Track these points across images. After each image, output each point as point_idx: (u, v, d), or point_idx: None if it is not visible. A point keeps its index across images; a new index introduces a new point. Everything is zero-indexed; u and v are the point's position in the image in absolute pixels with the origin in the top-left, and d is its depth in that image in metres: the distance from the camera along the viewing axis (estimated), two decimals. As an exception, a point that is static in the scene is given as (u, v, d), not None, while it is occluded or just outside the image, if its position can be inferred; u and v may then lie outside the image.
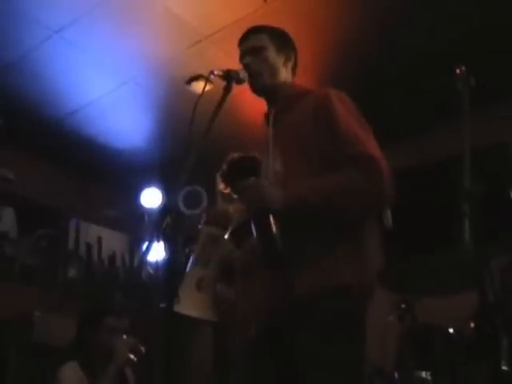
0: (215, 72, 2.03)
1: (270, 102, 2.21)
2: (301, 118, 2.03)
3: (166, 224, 1.63)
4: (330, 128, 1.92)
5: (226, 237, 2.63)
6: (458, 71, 1.87)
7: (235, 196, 2.98)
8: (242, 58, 2.19)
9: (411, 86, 4.34)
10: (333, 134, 1.90)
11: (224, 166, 3.06)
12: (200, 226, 3.59)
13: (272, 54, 2.17)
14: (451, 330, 2.71)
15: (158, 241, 1.61)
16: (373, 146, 1.88)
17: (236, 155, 2.85)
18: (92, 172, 5.42)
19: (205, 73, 3.99)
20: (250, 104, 4.05)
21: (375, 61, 4.10)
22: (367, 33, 3.83)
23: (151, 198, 5.38)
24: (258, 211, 1.82)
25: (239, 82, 2.08)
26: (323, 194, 1.80)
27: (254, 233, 1.86)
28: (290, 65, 2.24)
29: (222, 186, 3.27)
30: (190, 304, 1.77)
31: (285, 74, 2.20)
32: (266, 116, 2.22)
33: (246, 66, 2.12)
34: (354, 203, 1.81)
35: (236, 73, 2.07)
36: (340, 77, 4.15)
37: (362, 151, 1.84)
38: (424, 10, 3.66)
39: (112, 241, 5.63)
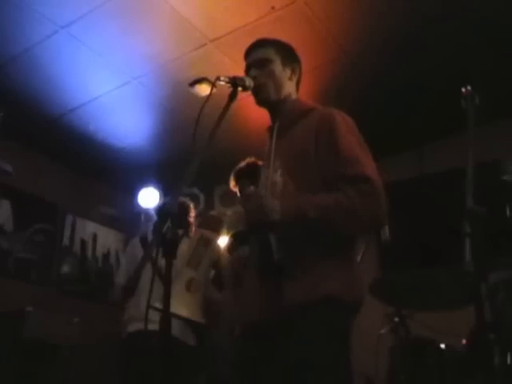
0: (221, 78, 2.03)
1: (273, 114, 2.24)
2: (303, 134, 2.07)
3: (167, 228, 1.63)
4: (331, 147, 1.96)
5: (227, 240, 2.65)
6: (463, 90, 1.89)
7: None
8: (248, 69, 2.21)
9: (415, 100, 4.36)
10: (334, 153, 1.95)
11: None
12: (193, 229, 3.63)
13: (278, 68, 2.20)
14: (443, 346, 2.72)
15: (158, 244, 1.61)
16: (372, 168, 1.93)
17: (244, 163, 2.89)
18: (90, 169, 5.42)
19: (209, 76, 4.10)
20: (253, 110, 4.05)
21: (381, 73, 4.12)
22: (374, 45, 3.85)
23: (148, 197, 5.38)
24: (258, 221, 1.84)
25: (245, 89, 2.09)
26: (322, 211, 1.83)
27: (252, 242, 1.87)
28: (294, 79, 2.27)
29: (232, 184, 3.33)
30: (179, 304, 1.78)
31: (289, 88, 2.23)
32: (270, 129, 2.24)
33: (252, 78, 2.13)
34: (350, 222, 1.86)
35: (242, 80, 2.08)
36: (345, 87, 4.17)
37: (362, 172, 1.89)
38: (433, 27, 3.68)
39: (107, 238, 5.63)
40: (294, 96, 2.24)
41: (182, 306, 1.87)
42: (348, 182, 1.88)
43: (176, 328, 2.93)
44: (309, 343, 1.79)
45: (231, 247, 2.75)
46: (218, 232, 2.58)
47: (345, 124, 2.03)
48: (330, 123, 2.01)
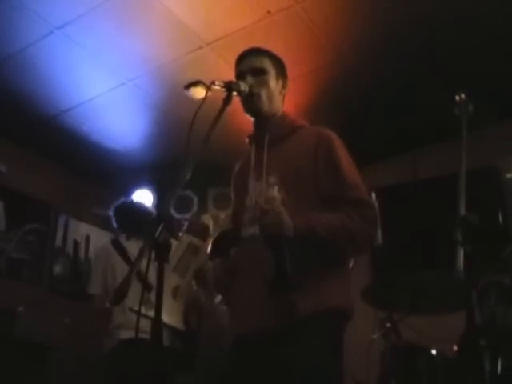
0: (216, 82, 2.03)
1: (259, 126, 2.24)
2: (299, 151, 2.12)
3: (160, 232, 1.62)
4: (331, 168, 2.05)
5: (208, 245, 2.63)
6: (457, 98, 1.90)
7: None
8: (241, 75, 2.19)
9: (410, 105, 4.37)
10: (334, 174, 2.04)
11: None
12: (181, 234, 3.60)
13: (272, 80, 2.22)
14: (434, 352, 2.72)
15: (151, 248, 1.61)
16: (366, 193, 2.07)
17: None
18: (84, 170, 5.40)
19: (204, 79, 4.10)
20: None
21: (376, 78, 4.13)
22: (369, 49, 3.86)
23: (142, 199, 5.37)
24: (274, 236, 1.88)
25: (240, 93, 2.09)
26: (331, 230, 1.93)
27: (256, 253, 1.90)
28: (283, 93, 2.29)
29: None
30: (164, 310, 1.78)
31: (279, 102, 2.26)
32: (253, 139, 2.24)
33: (248, 86, 2.13)
34: (352, 242, 1.98)
35: (237, 84, 2.08)
36: (340, 91, 4.18)
37: (362, 197, 2.03)
38: (430, 32, 3.70)
39: (100, 240, 5.58)
40: (280, 110, 2.26)
41: (167, 313, 1.87)
42: (350, 204, 1.99)
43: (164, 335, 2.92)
44: (312, 354, 1.85)
45: (216, 248, 2.70)
46: (205, 240, 2.57)
47: (341, 147, 2.13)
48: (329, 144, 2.10)
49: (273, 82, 2.20)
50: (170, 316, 1.88)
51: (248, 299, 2.01)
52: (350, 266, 2.19)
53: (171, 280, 1.98)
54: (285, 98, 2.32)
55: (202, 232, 2.14)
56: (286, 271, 1.84)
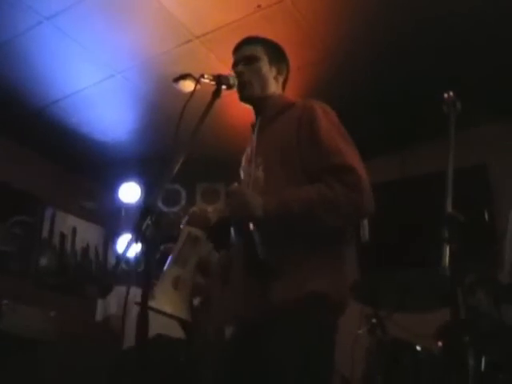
0: (206, 76, 2.04)
1: (256, 111, 2.25)
2: (284, 128, 2.07)
3: (147, 225, 1.62)
4: (312, 139, 1.95)
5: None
6: (446, 96, 1.90)
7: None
8: (235, 65, 2.23)
9: (399, 103, 4.39)
10: (315, 145, 1.94)
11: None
12: (181, 226, 3.59)
13: (265, 66, 2.21)
14: (419, 348, 2.74)
15: (137, 242, 1.60)
16: (354, 158, 1.91)
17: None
18: (72, 162, 5.37)
19: (193, 72, 4.08)
20: (236, 107, 4.06)
21: (365, 75, 4.14)
22: (360, 47, 3.87)
23: (129, 192, 5.36)
24: (240, 218, 1.84)
25: (229, 87, 2.10)
26: (305, 204, 1.82)
27: (236, 239, 1.87)
28: (280, 79, 2.29)
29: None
30: (165, 300, 1.78)
31: (274, 87, 2.24)
32: (252, 125, 2.25)
33: (239, 74, 2.15)
34: (334, 213, 1.83)
35: (226, 78, 2.09)
36: (329, 87, 4.18)
37: (343, 162, 1.87)
38: (420, 31, 3.71)
39: (87, 232, 5.58)
40: (278, 94, 2.25)
41: (168, 303, 1.87)
42: (330, 172, 1.86)
43: (162, 324, 2.93)
44: (293, 341, 1.78)
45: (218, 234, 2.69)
46: (204, 229, 2.57)
47: (325, 115, 2.02)
48: (311, 115, 2.00)
49: (265, 68, 2.21)
50: (173, 306, 1.87)
51: (233, 288, 2.00)
52: (343, 245, 1.98)
53: (171, 271, 1.97)
54: (286, 83, 2.31)
55: (201, 221, 2.13)
56: (256, 254, 1.79)
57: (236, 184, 1.97)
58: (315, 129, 1.96)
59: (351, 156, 1.91)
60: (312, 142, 1.95)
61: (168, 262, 2.05)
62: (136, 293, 1.64)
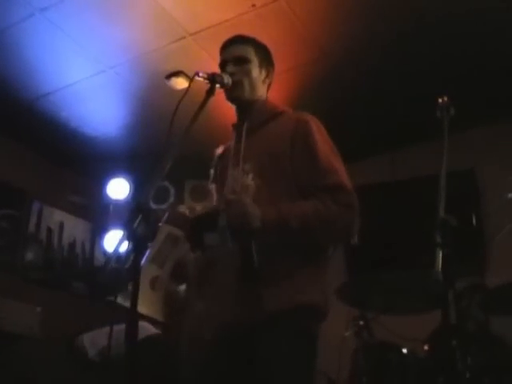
0: (200, 74, 2.03)
1: (241, 114, 2.24)
2: (277, 137, 2.08)
3: (138, 223, 1.61)
4: (307, 154, 1.99)
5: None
6: (440, 100, 1.91)
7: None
8: (224, 64, 2.20)
9: (392, 105, 4.40)
10: (310, 160, 1.98)
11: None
12: (160, 224, 3.56)
13: (255, 69, 2.21)
14: (405, 351, 2.75)
15: (129, 239, 1.59)
16: (345, 176, 1.98)
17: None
18: (61, 156, 5.31)
19: (185, 70, 4.07)
20: (226, 106, 4.05)
21: (359, 76, 4.14)
22: (354, 48, 3.87)
23: (118, 188, 5.33)
24: (240, 228, 1.84)
25: (223, 86, 2.09)
26: (303, 219, 1.86)
27: (226, 245, 1.87)
28: (267, 82, 2.29)
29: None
30: (141, 301, 1.76)
31: (262, 91, 2.25)
32: (235, 127, 2.23)
33: (230, 75, 2.13)
34: (329, 231, 1.91)
35: (220, 77, 2.08)
36: (323, 87, 4.18)
37: (338, 181, 1.93)
38: (415, 33, 3.71)
39: (74, 228, 5.54)
40: (264, 98, 2.26)
41: (145, 304, 1.85)
42: (325, 191, 1.91)
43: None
44: (284, 351, 1.81)
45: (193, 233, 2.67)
46: (184, 230, 2.55)
47: (320, 132, 2.05)
48: (306, 129, 2.03)
49: (255, 71, 2.20)
50: (149, 307, 1.85)
51: (220, 292, 2.00)
52: (328, 256, 2.05)
53: (149, 271, 1.95)
54: (270, 86, 2.31)
55: (181, 221, 2.12)
56: (252, 263, 1.80)
57: (237, 194, 1.96)
58: (310, 144, 2.00)
59: (343, 174, 1.98)
60: (307, 157, 1.99)
61: (145, 259, 2.03)
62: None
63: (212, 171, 2.36)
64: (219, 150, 2.38)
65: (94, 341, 3.87)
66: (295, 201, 1.95)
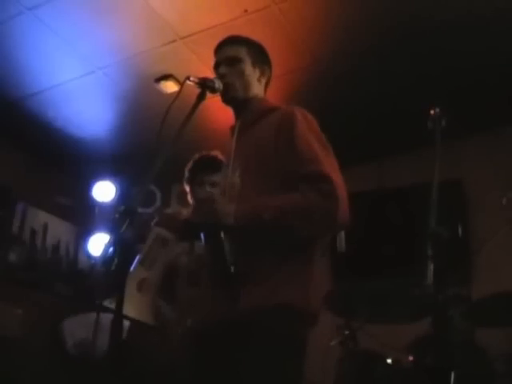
0: (191, 78, 2.02)
1: (237, 114, 2.22)
2: (263, 133, 2.04)
3: (126, 227, 1.59)
4: (290, 145, 1.92)
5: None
6: (431, 112, 1.91)
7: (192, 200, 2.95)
8: (217, 66, 2.19)
9: (381, 113, 4.40)
10: (293, 151, 1.91)
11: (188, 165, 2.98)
12: (151, 227, 3.54)
13: (248, 68, 2.18)
14: (390, 361, 2.74)
15: (116, 243, 1.57)
16: (331, 166, 1.88)
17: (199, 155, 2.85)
18: (47, 157, 5.27)
19: (175, 73, 4.05)
20: (216, 110, 4.02)
21: (350, 83, 4.15)
22: (345, 55, 3.88)
23: (104, 191, 5.28)
24: (209, 225, 1.82)
25: (214, 91, 2.08)
26: (276, 212, 1.79)
27: (205, 246, 1.85)
28: (263, 80, 2.26)
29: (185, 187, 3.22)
30: (128, 303, 1.74)
31: (257, 89, 2.21)
32: (232, 128, 2.23)
33: (221, 76, 2.12)
34: (306, 222, 1.80)
35: (212, 82, 2.07)
36: (313, 93, 4.18)
37: (319, 170, 1.84)
38: (406, 41, 3.73)
39: (58, 229, 5.48)
40: (260, 97, 2.22)
41: (131, 307, 1.83)
42: (306, 180, 1.83)
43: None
44: (259, 351, 1.75)
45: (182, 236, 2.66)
46: (174, 232, 2.53)
47: (305, 122, 1.98)
48: (291, 121, 1.97)
49: (249, 70, 2.17)
50: (135, 309, 1.83)
51: (201, 292, 1.98)
52: (314, 255, 1.94)
53: (138, 273, 1.93)
54: (268, 85, 2.28)
55: (173, 223, 2.10)
56: (224, 262, 1.76)
57: (208, 191, 1.95)
58: (293, 135, 1.92)
59: (328, 164, 1.88)
60: (290, 148, 1.91)
61: (135, 262, 2.02)
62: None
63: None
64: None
65: (72, 330, 3.81)
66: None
